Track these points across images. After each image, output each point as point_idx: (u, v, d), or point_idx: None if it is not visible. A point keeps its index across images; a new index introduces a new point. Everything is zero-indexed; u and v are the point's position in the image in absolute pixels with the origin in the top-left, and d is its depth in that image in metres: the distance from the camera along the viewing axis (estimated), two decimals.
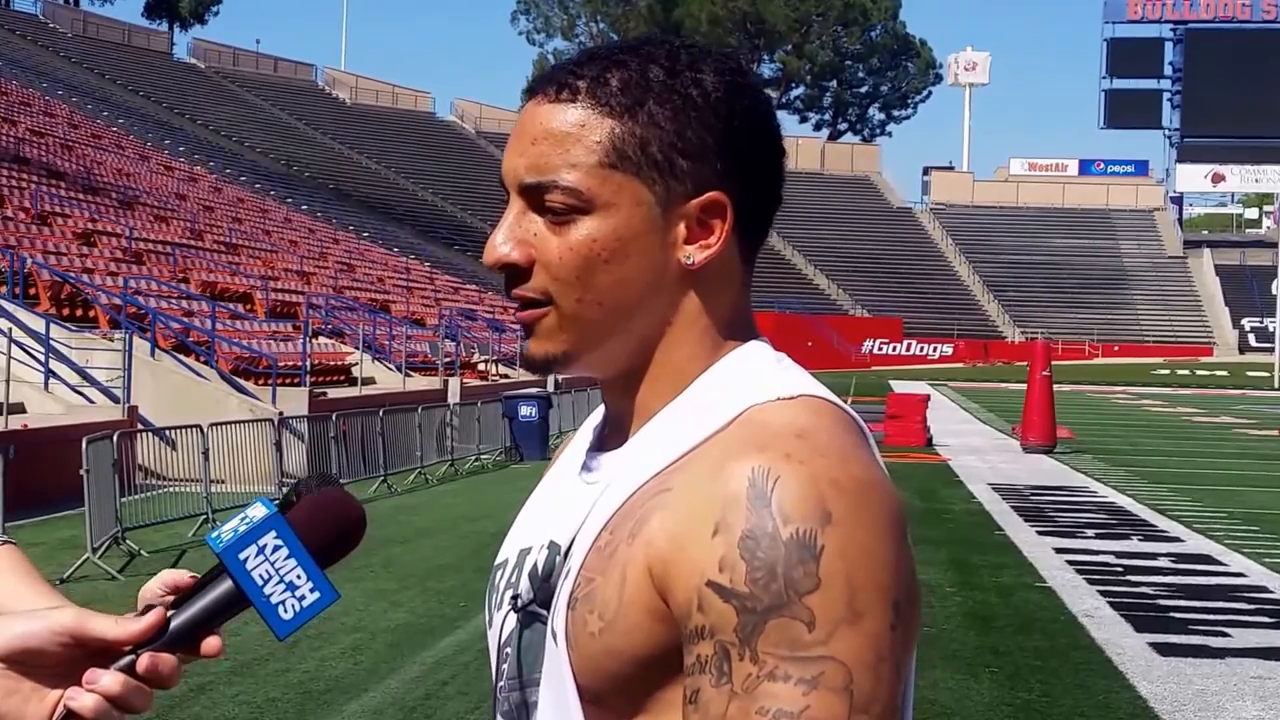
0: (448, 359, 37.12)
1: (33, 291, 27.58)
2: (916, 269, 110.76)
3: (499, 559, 1.80)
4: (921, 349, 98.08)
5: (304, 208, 67.38)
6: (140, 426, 20.91)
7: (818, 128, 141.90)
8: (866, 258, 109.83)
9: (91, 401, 23.32)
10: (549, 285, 1.62)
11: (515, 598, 1.69)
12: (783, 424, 1.54)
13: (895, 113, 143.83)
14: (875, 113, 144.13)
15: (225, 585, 1.54)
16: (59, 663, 1.50)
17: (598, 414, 1.82)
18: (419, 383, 34.18)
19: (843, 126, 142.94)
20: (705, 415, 1.59)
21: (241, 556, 1.52)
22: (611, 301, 1.62)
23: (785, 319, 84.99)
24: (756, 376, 1.63)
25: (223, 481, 19.04)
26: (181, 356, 26.43)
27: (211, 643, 1.54)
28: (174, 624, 1.52)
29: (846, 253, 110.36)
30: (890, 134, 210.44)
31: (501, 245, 1.64)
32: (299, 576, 1.53)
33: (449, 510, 19.61)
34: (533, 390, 29.75)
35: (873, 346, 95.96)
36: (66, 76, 73.57)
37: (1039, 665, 10.81)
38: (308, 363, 29.57)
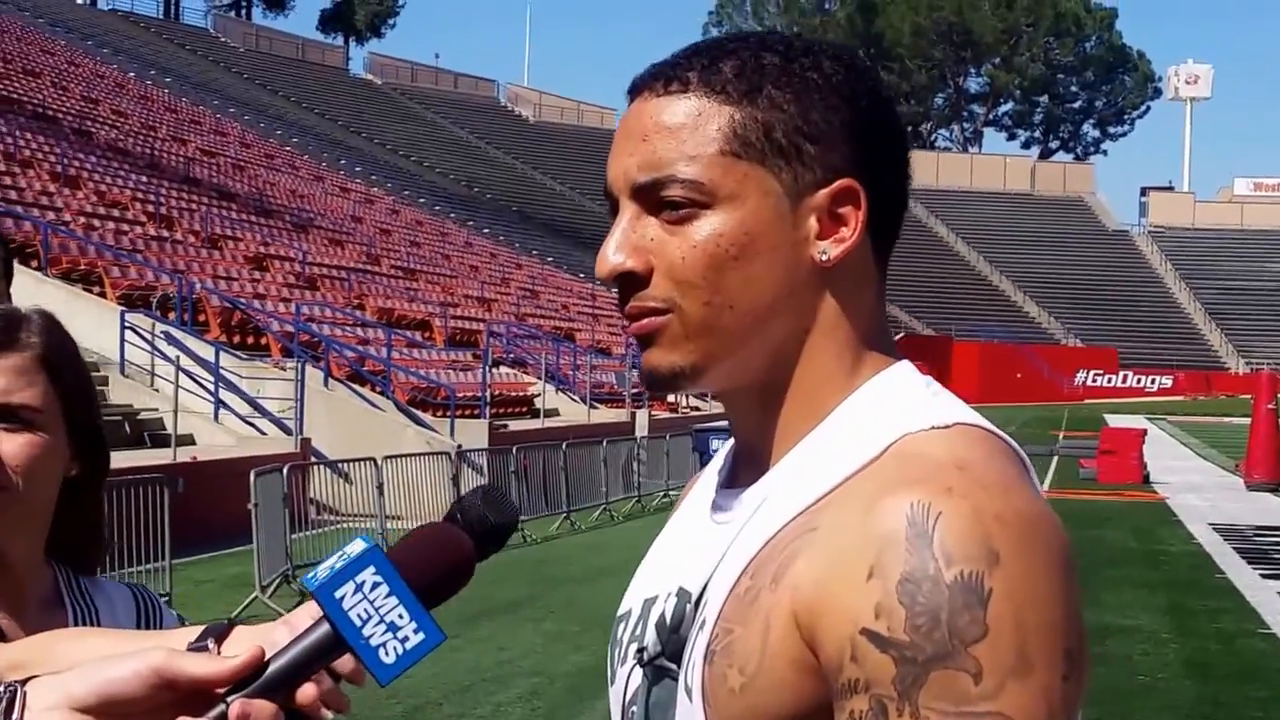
0: (635, 390, 37.21)
1: (202, 318, 28.04)
2: (1133, 296, 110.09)
3: (621, 610, 1.76)
4: (1138, 380, 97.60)
5: (485, 231, 68.18)
6: (312, 459, 21.11)
7: (1027, 145, 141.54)
8: (1079, 284, 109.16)
9: (263, 433, 23.66)
10: (672, 291, 1.56)
11: (641, 651, 1.64)
12: (941, 455, 1.47)
13: (1111, 129, 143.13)
14: (1089, 129, 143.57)
15: (322, 628, 1.46)
16: (147, 709, 1.44)
17: (724, 451, 1.76)
18: (604, 415, 34.39)
19: (1054, 144, 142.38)
20: (854, 445, 1.53)
21: (338, 595, 1.45)
22: (742, 304, 1.55)
23: (991, 348, 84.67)
24: (907, 402, 1.56)
25: (399, 517, 19.15)
26: (356, 386, 26.73)
27: (307, 690, 1.46)
28: (269, 669, 1.45)
29: (1058, 278, 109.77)
30: (1105, 152, 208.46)
31: (614, 255, 1.59)
32: (401, 616, 1.46)
33: (635, 549, 19.46)
34: (724, 423, 29.57)
35: (1086, 378, 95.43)
36: (238, 93, 75.35)
37: (1262, 717, 10.76)
38: (488, 393, 29.81)
